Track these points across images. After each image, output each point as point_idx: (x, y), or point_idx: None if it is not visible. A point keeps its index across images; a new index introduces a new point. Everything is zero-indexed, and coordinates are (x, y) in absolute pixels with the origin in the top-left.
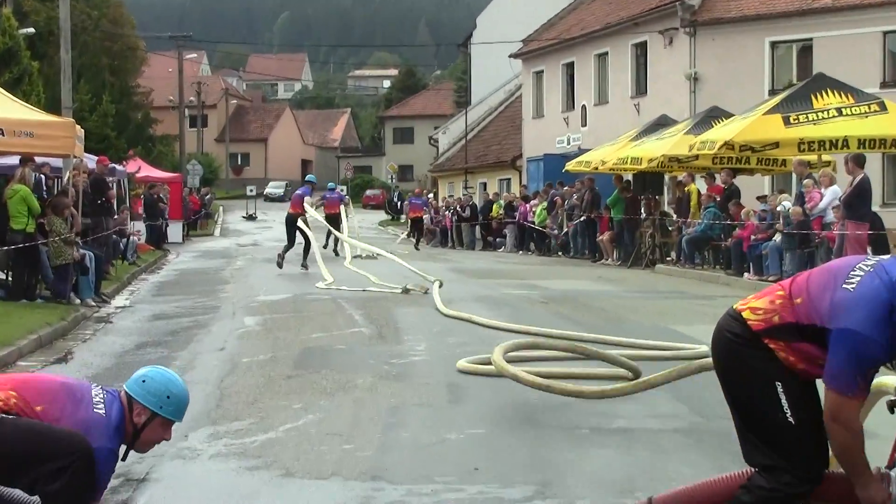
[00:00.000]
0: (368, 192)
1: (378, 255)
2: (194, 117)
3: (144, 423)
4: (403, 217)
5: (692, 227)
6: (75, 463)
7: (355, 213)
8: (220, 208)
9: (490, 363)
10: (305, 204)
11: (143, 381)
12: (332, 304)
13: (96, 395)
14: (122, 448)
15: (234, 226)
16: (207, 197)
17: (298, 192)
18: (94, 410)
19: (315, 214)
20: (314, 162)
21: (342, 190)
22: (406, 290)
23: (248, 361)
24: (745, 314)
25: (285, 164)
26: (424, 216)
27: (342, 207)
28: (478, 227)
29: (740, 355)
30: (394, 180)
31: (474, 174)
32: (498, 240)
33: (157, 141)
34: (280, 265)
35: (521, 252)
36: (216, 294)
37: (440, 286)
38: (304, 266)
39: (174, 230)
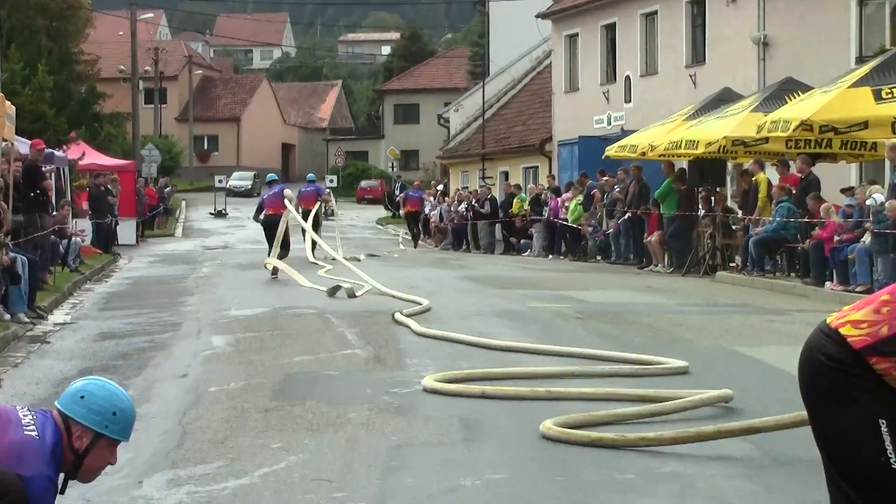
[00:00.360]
0: (364, 183)
1: (334, 259)
2: (150, 91)
3: (87, 448)
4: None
5: (761, 225)
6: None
7: (343, 209)
8: (183, 203)
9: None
10: (286, 201)
11: (82, 398)
12: (318, 321)
13: (25, 417)
14: (61, 478)
15: (200, 224)
16: (167, 189)
17: (275, 190)
18: (25, 432)
19: (298, 216)
20: (297, 147)
21: (332, 181)
22: (333, 291)
23: (216, 391)
24: (845, 330)
25: (262, 150)
26: (432, 213)
27: (318, 204)
28: (498, 227)
29: (836, 383)
30: (395, 169)
31: (494, 161)
32: (523, 242)
33: (106, 120)
34: (274, 274)
35: (550, 257)
36: (177, 308)
37: (424, 310)
38: (274, 274)
39: (126, 230)
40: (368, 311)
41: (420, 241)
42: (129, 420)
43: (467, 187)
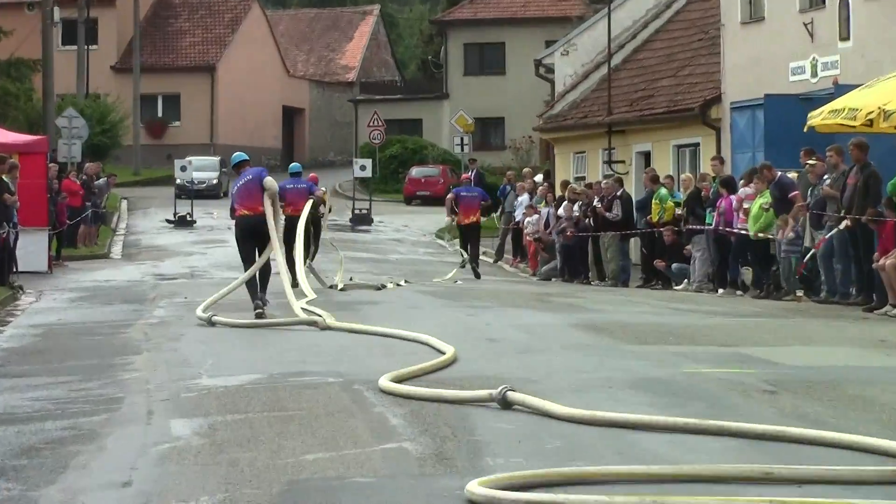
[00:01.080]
0: (416, 171)
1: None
2: (72, 25)
3: None
4: (496, 216)
5: None
6: None
7: (381, 215)
8: (124, 204)
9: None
10: (266, 197)
11: None
12: (343, 394)
13: None
14: None
15: (151, 238)
16: (98, 182)
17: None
18: None
19: (272, 225)
20: (307, 113)
21: (363, 169)
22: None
23: None
24: None
25: (252, 118)
26: (527, 220)
27: (310, 205)
28: (634, 242)
29: None
30: (466, 147)
31: (626, 136)
32: (674, 266)
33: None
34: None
35: (721, 291)
36: (115, 374)
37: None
38: (260, 303)
39: (31, 247)
40: (423, 379)
41: (501, 263)
42: None
43: (583, 178)
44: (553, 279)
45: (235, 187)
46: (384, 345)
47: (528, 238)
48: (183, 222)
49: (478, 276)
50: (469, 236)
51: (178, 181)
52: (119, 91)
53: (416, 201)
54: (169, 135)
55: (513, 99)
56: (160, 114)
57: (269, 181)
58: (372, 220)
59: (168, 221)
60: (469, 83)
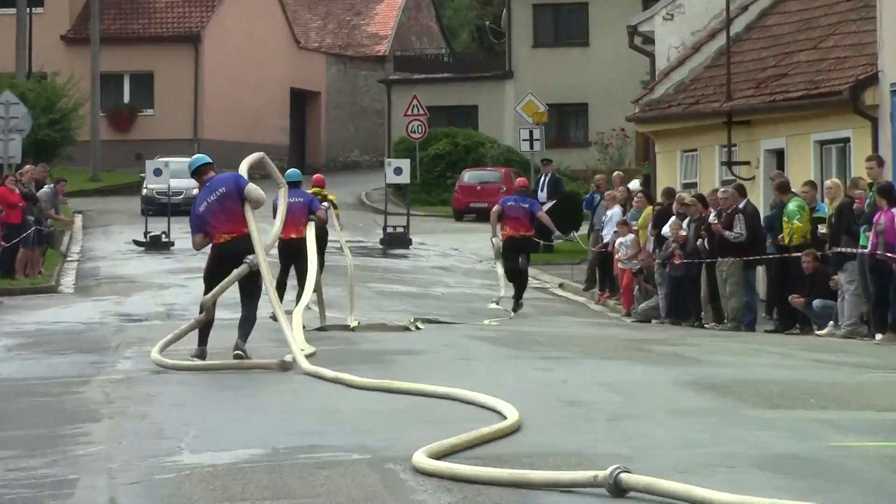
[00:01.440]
0: (468, 176)
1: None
2: None
3: None
4: (576, 235)
5: None
6: None
7: (423, 234)
8: (78, 220)
9: None
10: (247, 210)
11: None
12: (369, 473)
13: None
14: None
15: (114, 266)
16: (45, 190)
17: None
18: None
19: (259, 248)
20: (324, 97)
21: (398, 173)
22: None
23: None
24: None
25: (250, 106)
26: (619, 242)
27: (310, 226)
28: (761, 270)
29: None
30: (537, 144)
31: (751, 128)
32: (815, 303)
33: None
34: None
35: (878, 337)
36: (66, 448)
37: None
38: (241, 353)
39: None
40: (475, 454)
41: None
42: None
43: (694, 185)
44: (654, 320)
45: (202, 207)
46: (422, 408)
47: (619, 265)
48: (157, 244)
49: (516, 308)
50: (514, 253)
51: (148, 190)
52: (73, 69)
53: (469, 216)
54: (139, 127)
55: (599, 79)
56: (127, 99)
57: (252, 189)
58: (410, 242)
59: (137, 243)
60: (540, 58)
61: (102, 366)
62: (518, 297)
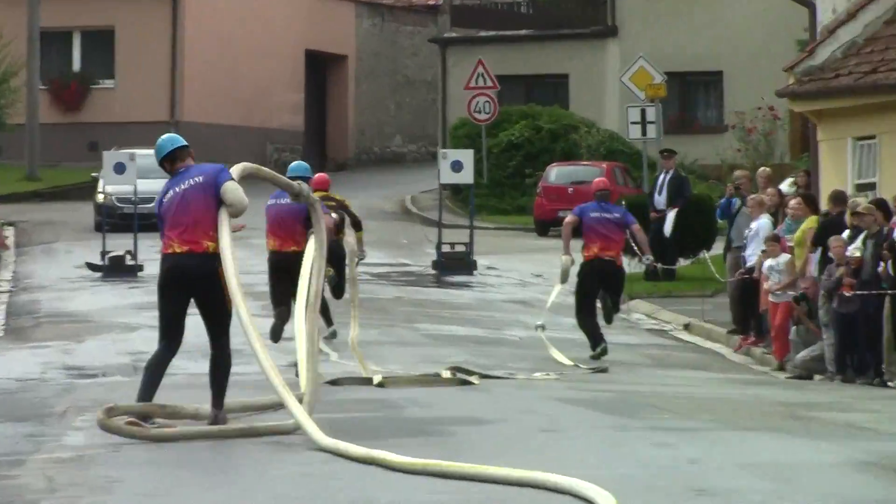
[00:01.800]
0: (556, 172)
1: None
2: None
3: None
4: (707, 256)
5: None
6: None
7: (490, 251)
8: (10, 235)
9: None
10: (221, 217)
11: None
12: None
13: None
14: None
15: (59, 298)
16: None
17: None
18: None
19: (228, 263)
20: (351, 61)
21: (459, 169)
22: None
23: None
24: None
25: (250, 77)
26: (770, 266)
27: (311, 244)
28: None
29: None
30: (652, 128)
31: None
32: None
33: None
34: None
35: None
36: None
37: None
38: (218, 413)
39: None
40: None
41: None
42: None
43: (872, 186)
44: (817, 375)
45: (166, 196)
46: (495, 498)
47: (770, 298)
48: (118, 268)
49: (598, 354)
50: (596, 283)
51: (105, 194)
52: (3, 26)
53: (556, 229)
54: (93, 106)
55: (738, 39)
56: (77, 66)
57: (231, 187)
58: (474, 266)
59: (91, 267)
60: (657, 8)
61: (43, 440)
62: (595, 344)
